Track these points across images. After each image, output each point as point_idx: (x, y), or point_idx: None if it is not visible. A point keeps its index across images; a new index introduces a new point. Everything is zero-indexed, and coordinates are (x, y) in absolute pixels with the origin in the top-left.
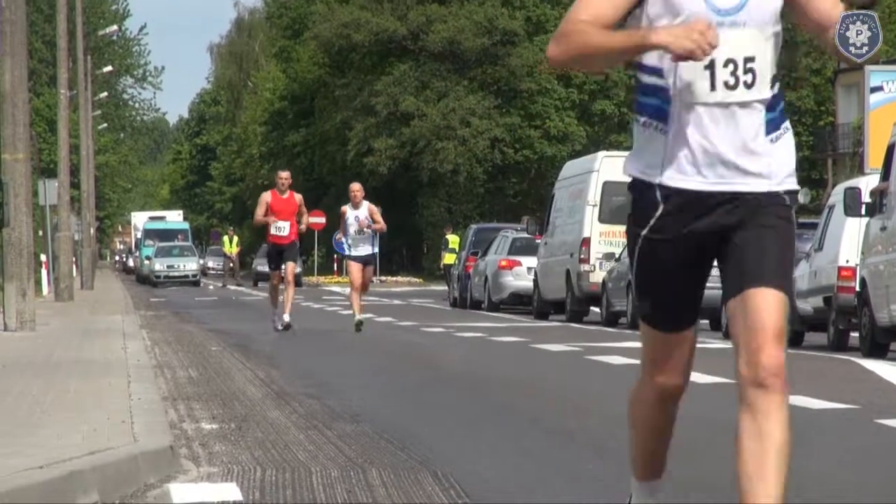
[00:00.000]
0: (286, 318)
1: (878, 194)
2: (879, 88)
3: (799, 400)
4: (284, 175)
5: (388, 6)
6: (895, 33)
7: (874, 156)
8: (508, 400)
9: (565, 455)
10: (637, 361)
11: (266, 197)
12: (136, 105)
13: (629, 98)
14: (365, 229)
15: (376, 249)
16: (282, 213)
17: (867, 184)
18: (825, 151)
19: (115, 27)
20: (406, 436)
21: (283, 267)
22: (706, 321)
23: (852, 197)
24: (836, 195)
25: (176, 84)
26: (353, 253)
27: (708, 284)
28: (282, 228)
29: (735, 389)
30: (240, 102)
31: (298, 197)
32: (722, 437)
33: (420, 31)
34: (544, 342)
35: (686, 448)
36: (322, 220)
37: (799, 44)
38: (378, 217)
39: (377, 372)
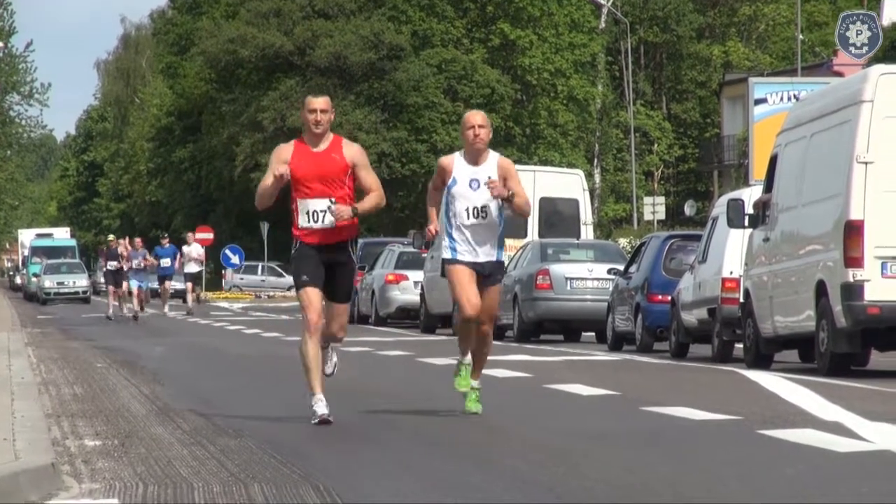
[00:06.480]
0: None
1: (762, 206)
2: (763, 100)
3: (682, 411)
4: (319, 103)
5: (274, 21)
6: (780, 46)
7: (759, 167)
8: (392, 414)
9: (448, 468)
10: (528, 374)
11: (284, 151)
12: (23, 122)
13: (514, 112)
14: (501, 199)
15: (503, 256)
16: (314, 182)
17: (750, 195)
18: (711, 163)
19: (0, 44)
20: (289, 450)
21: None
22: (591, 333)
23: (735, 208)
24: (720, 207)
25: (63, 100)
26: (460, 257)
27: (593, 297)
28: (318, 216)
29: (618, 402)
30: (127, 118)
31: (353, 150)
32: (603, 447)
33: (306, 46)
34: (430, 356)
35: (570, 460)
36: (209, 235)
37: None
38: (517, 185)
39: (262, 388)
